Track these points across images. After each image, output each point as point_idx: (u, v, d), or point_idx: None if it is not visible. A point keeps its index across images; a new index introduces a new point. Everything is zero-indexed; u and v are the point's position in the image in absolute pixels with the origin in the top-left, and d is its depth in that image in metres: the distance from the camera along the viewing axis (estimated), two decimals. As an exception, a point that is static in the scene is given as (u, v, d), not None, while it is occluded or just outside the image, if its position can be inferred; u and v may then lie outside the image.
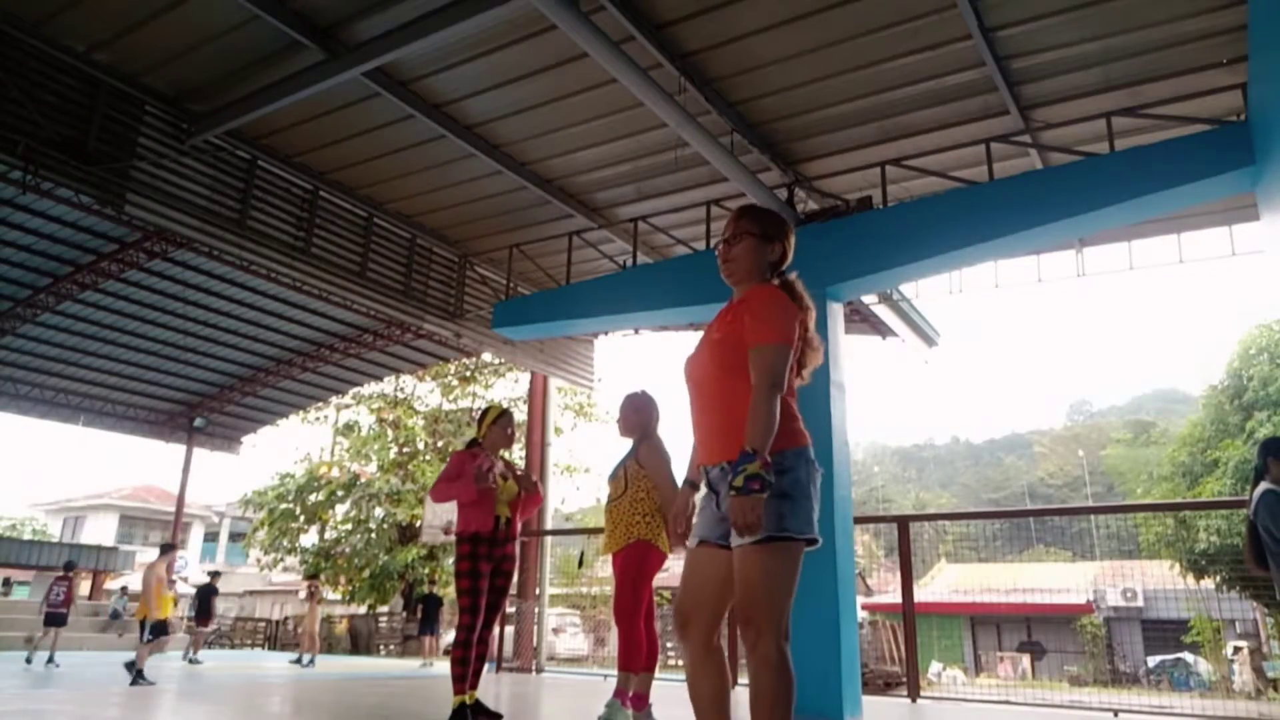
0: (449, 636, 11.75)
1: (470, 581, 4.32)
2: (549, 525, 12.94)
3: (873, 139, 7.10)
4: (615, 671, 4.41)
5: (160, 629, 9.26)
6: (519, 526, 4.70)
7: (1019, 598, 25.05)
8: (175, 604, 9.63)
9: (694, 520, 2.34)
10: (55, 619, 12.35)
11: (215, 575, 16.11)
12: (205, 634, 15.10)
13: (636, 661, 4.17)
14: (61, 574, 13.10)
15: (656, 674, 4.29)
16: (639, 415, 4.44)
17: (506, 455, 4.77)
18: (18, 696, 6.65)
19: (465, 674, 4.29)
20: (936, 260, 6.43)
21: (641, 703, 4.19)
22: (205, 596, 14.66)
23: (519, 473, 4.71)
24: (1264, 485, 4.25)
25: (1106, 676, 21.29)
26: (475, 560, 4.35)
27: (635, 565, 4.16)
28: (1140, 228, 7.89)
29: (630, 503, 4.25)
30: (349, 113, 7.15)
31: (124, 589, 21.95)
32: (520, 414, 17.69)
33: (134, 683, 7.95)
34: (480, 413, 4.76)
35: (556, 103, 6.91)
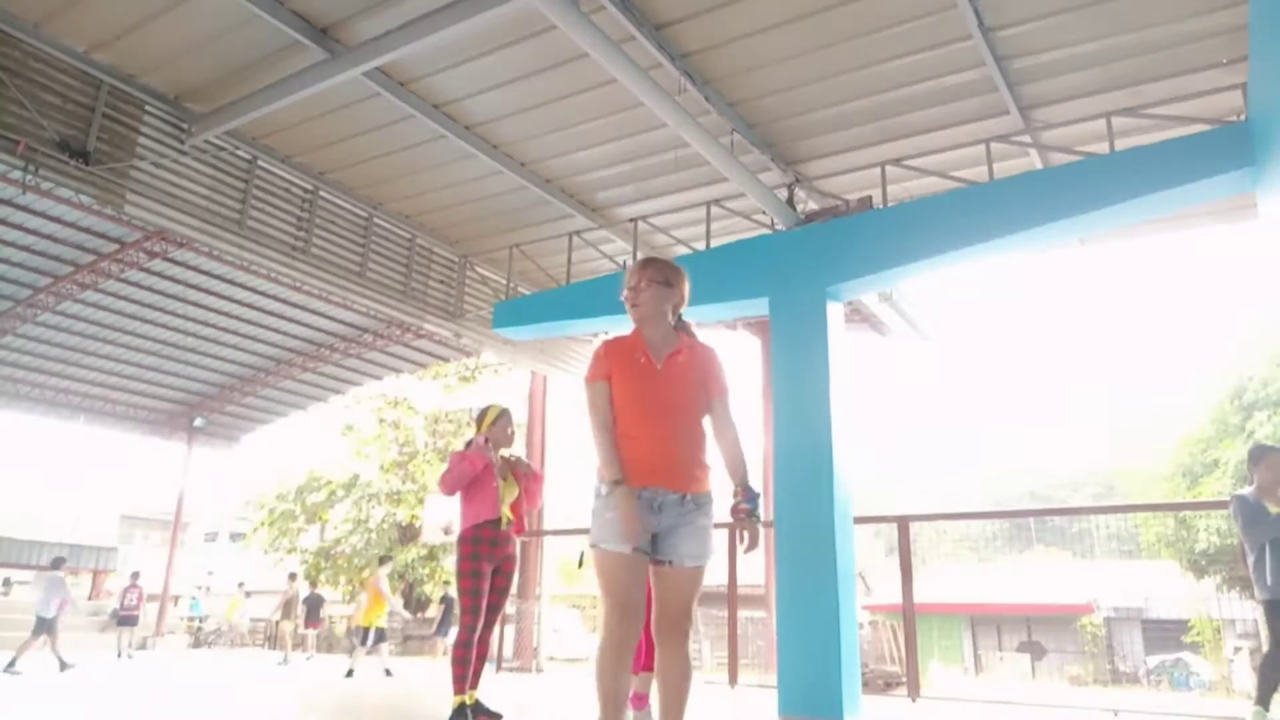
0: (450, 637, 11.77)
1: (472, 581, 4.32)
2: (548, 525, 12.93)
3: (873, 139, 7.10)
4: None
5: (381, 635, 10.46)
6: (524, 524, 4.72)
7: (1019, 598, 25.03)
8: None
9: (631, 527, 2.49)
10: (128, 620, 14.15)
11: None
12: (312, 636, 16.05)
13: (635, 662, 4.16)
14: (131, 582, 14.55)
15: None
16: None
17: (506, 454, 4.77)
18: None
19: (465, 674, 4.30)
20: (937, 260, 6.41)
21: (641, 702, 4.19)
22: (315, 603, 15.84)
23: (514, 462, 4.72)
24: (1238, 490, 4.77)
25: (1106, 676, 21.25)
26: (477, 560, 4.35)
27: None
28: (1140, 228, 7.88)
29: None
30: (349, 113, 7.15)
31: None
32: (520, 414, 17.66)
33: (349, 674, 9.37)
34: (479, 412, 4.76)
35: (556, 103, 6.91)
